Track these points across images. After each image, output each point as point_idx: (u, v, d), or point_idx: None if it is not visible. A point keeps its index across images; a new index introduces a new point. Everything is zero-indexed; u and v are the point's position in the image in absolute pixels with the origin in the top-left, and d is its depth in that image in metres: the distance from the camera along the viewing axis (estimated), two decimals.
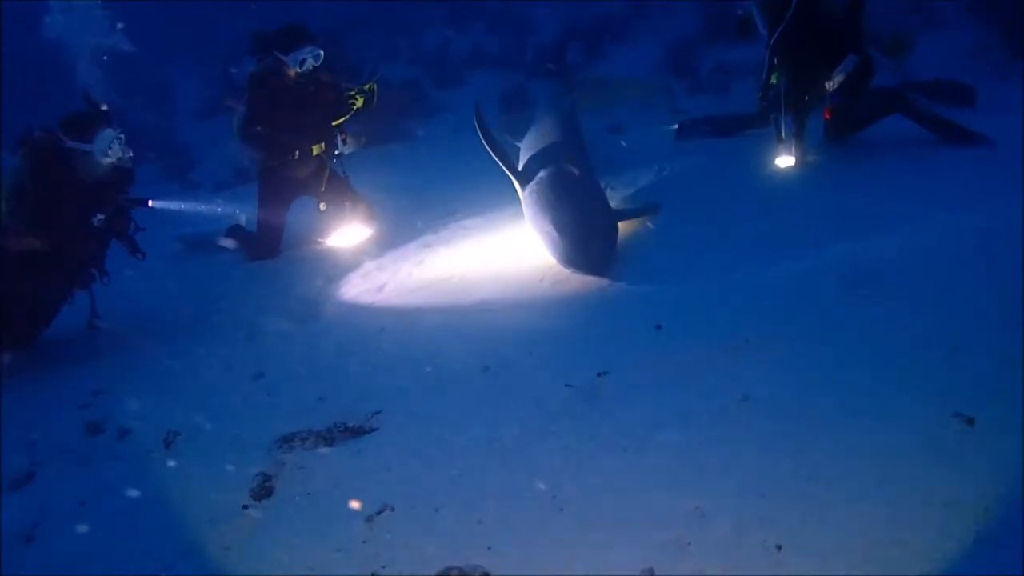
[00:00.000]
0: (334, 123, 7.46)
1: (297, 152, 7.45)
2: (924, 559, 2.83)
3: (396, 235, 7.37)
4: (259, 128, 7.17)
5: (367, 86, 7.55)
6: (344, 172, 7.76)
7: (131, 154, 5.98)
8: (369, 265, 6.75)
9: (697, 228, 6.25)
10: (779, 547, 2.95)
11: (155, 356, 6.06)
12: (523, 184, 6.04)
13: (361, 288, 6.46)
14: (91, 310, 6.40)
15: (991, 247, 4.94)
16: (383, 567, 3.23)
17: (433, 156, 10.88)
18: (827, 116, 7.35)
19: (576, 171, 5.93)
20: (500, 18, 18.14)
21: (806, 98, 7.37)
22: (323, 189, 7.76)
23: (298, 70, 7.11)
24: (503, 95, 13.03)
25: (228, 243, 8.01)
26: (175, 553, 3.67)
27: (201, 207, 8.17)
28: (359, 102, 7.49)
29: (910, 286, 4.67)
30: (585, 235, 5.35)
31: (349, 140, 7.61)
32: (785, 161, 7.30)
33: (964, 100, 8.39)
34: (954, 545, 2.87)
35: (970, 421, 3.42)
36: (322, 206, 7.89)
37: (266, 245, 7.77)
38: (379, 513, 3.55)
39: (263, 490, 4.02)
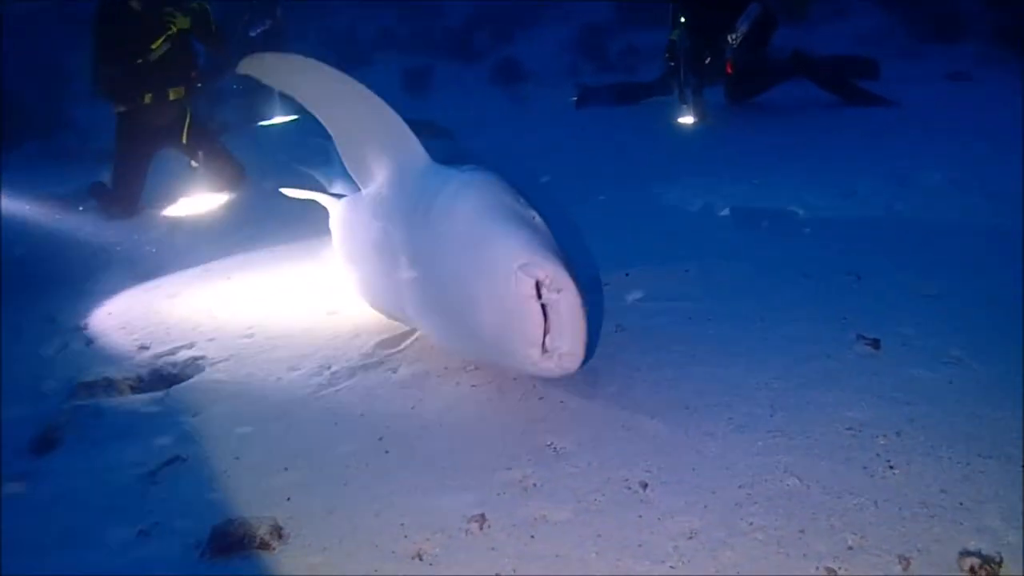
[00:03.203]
0: (152, 47, 6.58)
1: (150, 95, 6.63)
2: (823, 489, 2.28)
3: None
4: (106, 69, 6.35)
5: (195, 4, 6.71)
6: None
7: None
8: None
9: (588, 177, 5.75)
10: (645, 485, 2.37)
11: None
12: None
13: None
14: None
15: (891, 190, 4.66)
16: (155, 523, 2.53)
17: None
18: (729, 70, 6.95)
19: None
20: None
21: (707, 58, 6.97)
22: (184, 141, 6.93)
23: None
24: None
25: (89, 202, 7.14)
26: None
27: None
28: (180, 22, 6.61)
29: (807, 224, 4.28)
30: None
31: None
32: (686, 120, 6.92)
33: (867, 72, 8.14)
34: (857, 471, 2.33)
35: (875, 344, 2.93)
36: (193, 163, 7.08)
37: (123, 203, 6.92)
38: (168, 463, 2.86)
39: (46, 443, 3.29)
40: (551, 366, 2.47)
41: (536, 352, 2.45)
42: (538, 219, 2.64)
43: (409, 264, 2.92)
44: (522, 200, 2.72)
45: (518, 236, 2.49)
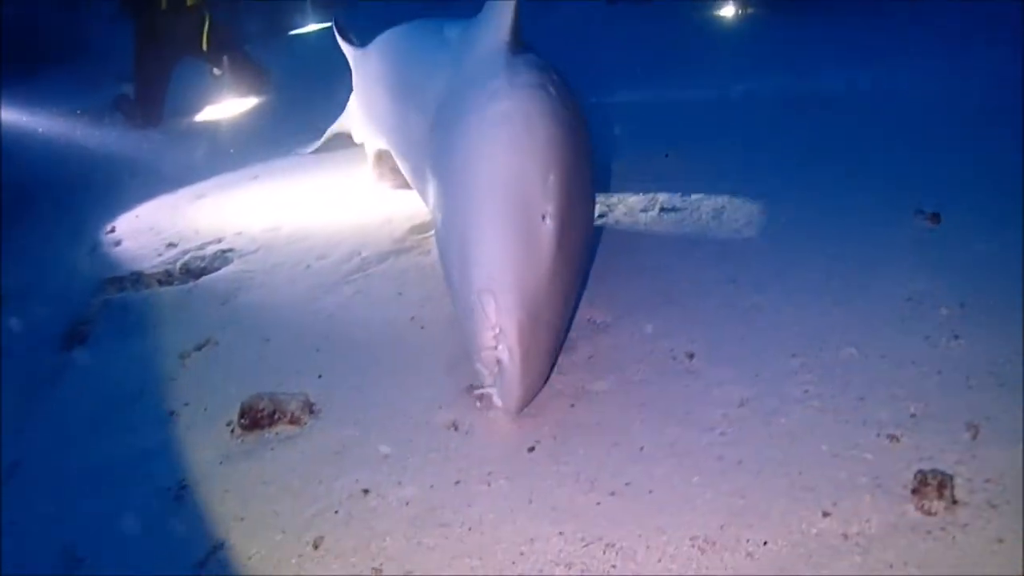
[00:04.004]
0: None
1: (165, 0, 6.43)
2: (882, 358, 2.15)
3: None
4: None
5: None
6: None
7: None
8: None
9: (623, 71, 5.52)
10: (691, 355, 2.26)
11: None
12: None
13: None
14: None
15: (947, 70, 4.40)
16: (185, 404, 2.46)
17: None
18: None
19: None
20: None
21: None
22: (205, 48, 6.75)
23: None
24: None
25: (114, 114, 7.03)
26: None
27: None
28: None
29: (856, 106, 4.06)
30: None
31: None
32: (727, 11, 6.62)
33: None
34: (919, 341, 2.19)
35: (935, 218, 2.76)
36: (216, 71, 6.90)
37: (146, 112, 6.79)
38: (199, 348, 2.80)
39: (74, 337, 3.25)
40: (492, 392, 2.14)
41: (485, 374, 2.13)
42: (549, 224, 2.03)
43: (427, 158, 2.55)
44: (574, 153, 2.16)
45: (501, 254, 2.01)
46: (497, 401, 2.11)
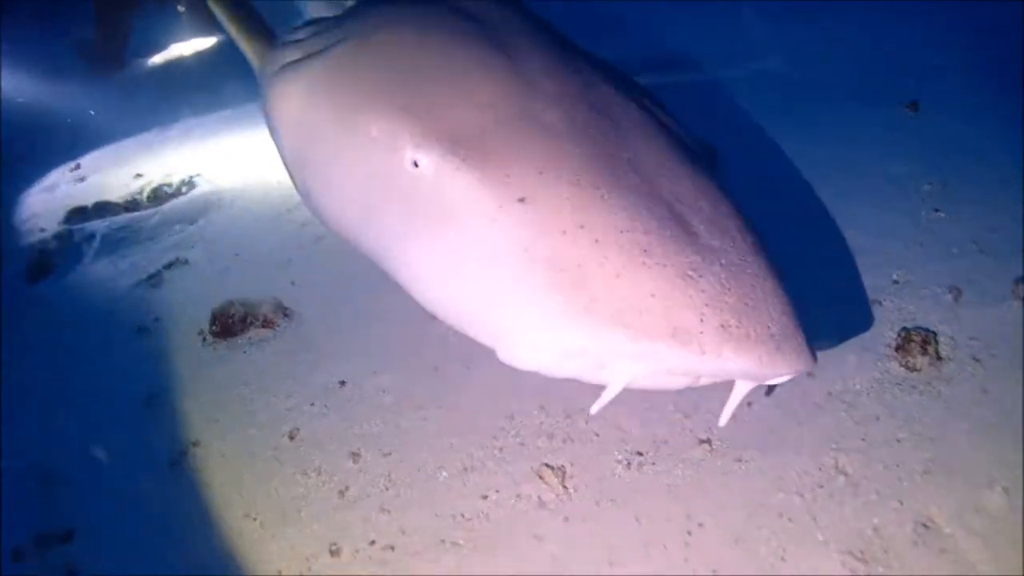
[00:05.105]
0: None
1: None
2: (863, 232, 2.11)
3: None
4: None
5: None
6: None
7: None
8: None
9: None
10: None
11: None
12: None
13: None
14: None
15: None
16: (155, 320, 2.40)
17: None
18: None
19: None
20: None
21: None
22: None
23: None
24: None
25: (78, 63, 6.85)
26: None
27: None
28: None
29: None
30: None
31: None
32: None
33: None
34: (901, 216, 2.16)
35: (914, 106, 2.71)
36: (179, 8, 6.72)
37: (107, 56, 6.62)
38: (168, 267, 2.72)
39: (39, 268, 3.16)
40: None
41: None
42: (428, 164, 1.39)
43: None
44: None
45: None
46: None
